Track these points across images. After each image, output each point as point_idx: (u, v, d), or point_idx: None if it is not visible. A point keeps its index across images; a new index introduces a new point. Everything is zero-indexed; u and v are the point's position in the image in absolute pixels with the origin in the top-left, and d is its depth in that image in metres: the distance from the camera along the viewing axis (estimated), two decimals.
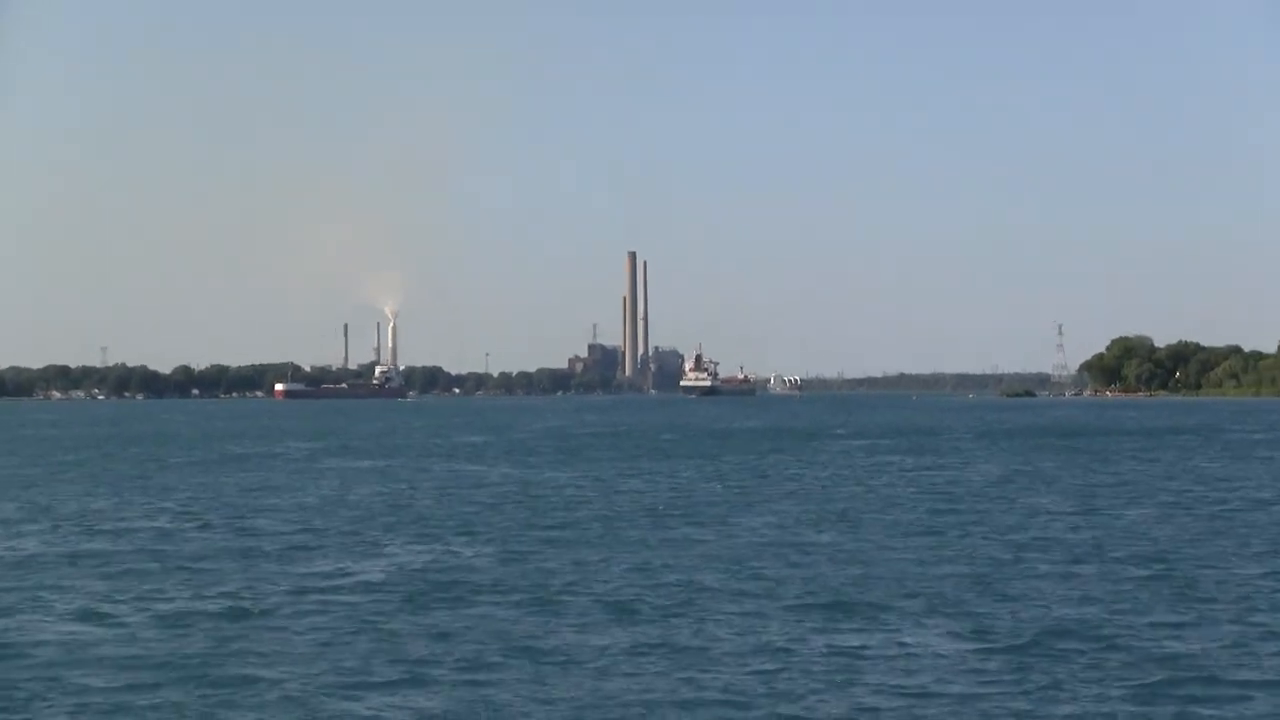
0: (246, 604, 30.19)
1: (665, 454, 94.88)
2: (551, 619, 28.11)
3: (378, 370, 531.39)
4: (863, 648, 24.89)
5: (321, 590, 32.17)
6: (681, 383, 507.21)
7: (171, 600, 30.94)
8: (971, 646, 24.91)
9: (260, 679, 22.67)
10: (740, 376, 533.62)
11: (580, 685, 22.20)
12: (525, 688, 22.06)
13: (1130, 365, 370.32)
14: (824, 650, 24.67)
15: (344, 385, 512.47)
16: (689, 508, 52.54)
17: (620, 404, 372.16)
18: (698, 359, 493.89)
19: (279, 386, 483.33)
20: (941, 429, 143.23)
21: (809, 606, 29.30)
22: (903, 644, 25.14)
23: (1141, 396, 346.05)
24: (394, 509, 53.06)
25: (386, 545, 41.08)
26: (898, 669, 23.18)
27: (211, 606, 29.94)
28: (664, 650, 24.76)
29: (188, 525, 47.42)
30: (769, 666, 23.42)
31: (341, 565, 36.56)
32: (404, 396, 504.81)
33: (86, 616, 28.85)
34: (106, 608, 29.84)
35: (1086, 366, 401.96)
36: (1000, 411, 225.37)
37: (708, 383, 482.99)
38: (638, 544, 40.74)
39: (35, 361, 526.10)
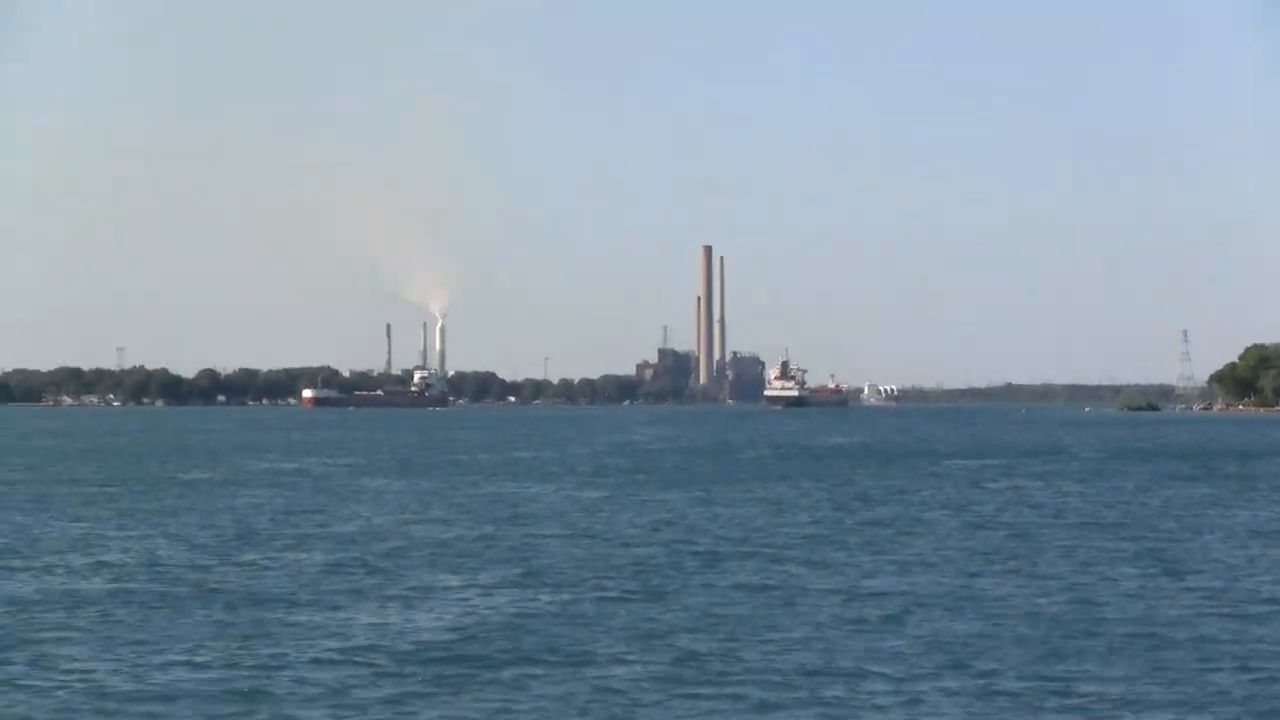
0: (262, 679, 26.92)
1: (769, 475, 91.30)
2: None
3: (417, 375, 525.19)
4: None
5: (347, 650, 28.88)
6: (765, 392, 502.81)
7: (168, 669, 27.71)
8: None
9: None
10: (831, 386, 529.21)
11: None
12: None
13: (1267, 377, 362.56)
14: None
15: (380, 392, 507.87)
16: (810, 546, 49.02)
17: (695, 416, 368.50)
18: (784, 366, 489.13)
19: (308, 393, 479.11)
20: (1061, 448, 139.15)
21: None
22: None
23: None
24: (439, 542, 49.77)
25: (433, 590, 37.74)
26: None
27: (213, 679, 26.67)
28: None
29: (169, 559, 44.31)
30: None
31: (363, 617, 33.25)
32: (446, 405, 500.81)
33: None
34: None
35: (1216, 378, 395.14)
36: (1127, 428, 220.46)
37: (795, 392, 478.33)
38: (748, 592, 37.23)
39: (44, 363, 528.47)
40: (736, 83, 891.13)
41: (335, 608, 34.52)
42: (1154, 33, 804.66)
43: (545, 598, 36.14)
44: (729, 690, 25.72)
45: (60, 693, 25.68)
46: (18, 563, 43.42)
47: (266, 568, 42.47)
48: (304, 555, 45.57)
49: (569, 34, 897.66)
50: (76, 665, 27.71)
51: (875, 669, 27.32)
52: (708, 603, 35.26)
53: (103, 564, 43.25)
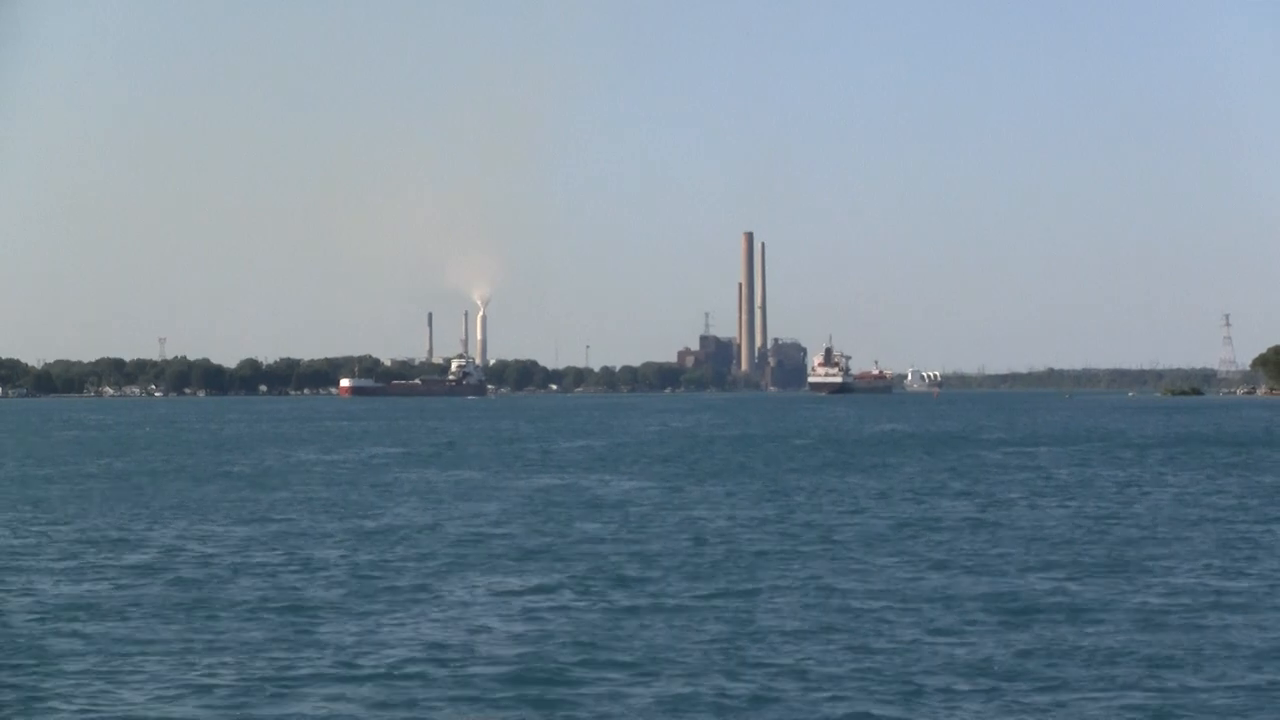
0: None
1: (826, 464, 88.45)
2: None
3: (454, 364, 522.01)
4: None
5: (393, 662, 26.26)
6: (809, 379, 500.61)
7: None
8: None
9: None
10: (875, 372, 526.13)
11: None
12: None
13: None
14: None
15: (417, 381, 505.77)
16: (896, 540, 46.24)
17: (738, 403, 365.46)
18: (828, 353, 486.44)
19: (344, 383, 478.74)
20: (1115, 433, 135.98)
21: None
22: None
23: None
24: (474, 539, 47.12)
25: (493, 592, 35.07)
26: None
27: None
28: None
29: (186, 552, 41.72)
30: None
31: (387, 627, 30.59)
32: (483, 393, 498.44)
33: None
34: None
35: (1261, 361, 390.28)
36: (1176, 413, 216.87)
37: (839, 379, 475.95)
38: (844, 597, 34.47)
39: (87, 355, 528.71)
40: (779, 70, 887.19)
41: (379, 612, 31.90)
42: (1200, 14, 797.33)
43: (617, 599, 33.45)
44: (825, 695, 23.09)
45: (69, 704, 23.19)
46: (33, 562, 40.98)
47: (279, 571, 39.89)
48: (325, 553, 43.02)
49: (614, 22, 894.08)
50: (91, 671, 25.21)
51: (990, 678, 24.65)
52: (799, 604, 32.56)
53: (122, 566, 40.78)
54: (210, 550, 43.86)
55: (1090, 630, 29.37)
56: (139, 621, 30.90)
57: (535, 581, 36.66)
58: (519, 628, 29.98)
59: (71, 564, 40.74)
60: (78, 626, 30.33)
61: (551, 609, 32.31)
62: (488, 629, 29.86)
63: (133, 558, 42.11)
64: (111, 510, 57.82)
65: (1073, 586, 35.44)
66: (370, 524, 51.83)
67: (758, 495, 64.25)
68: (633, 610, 31.98)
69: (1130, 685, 24.57)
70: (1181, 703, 23.41)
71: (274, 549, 44.10)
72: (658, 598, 33.76)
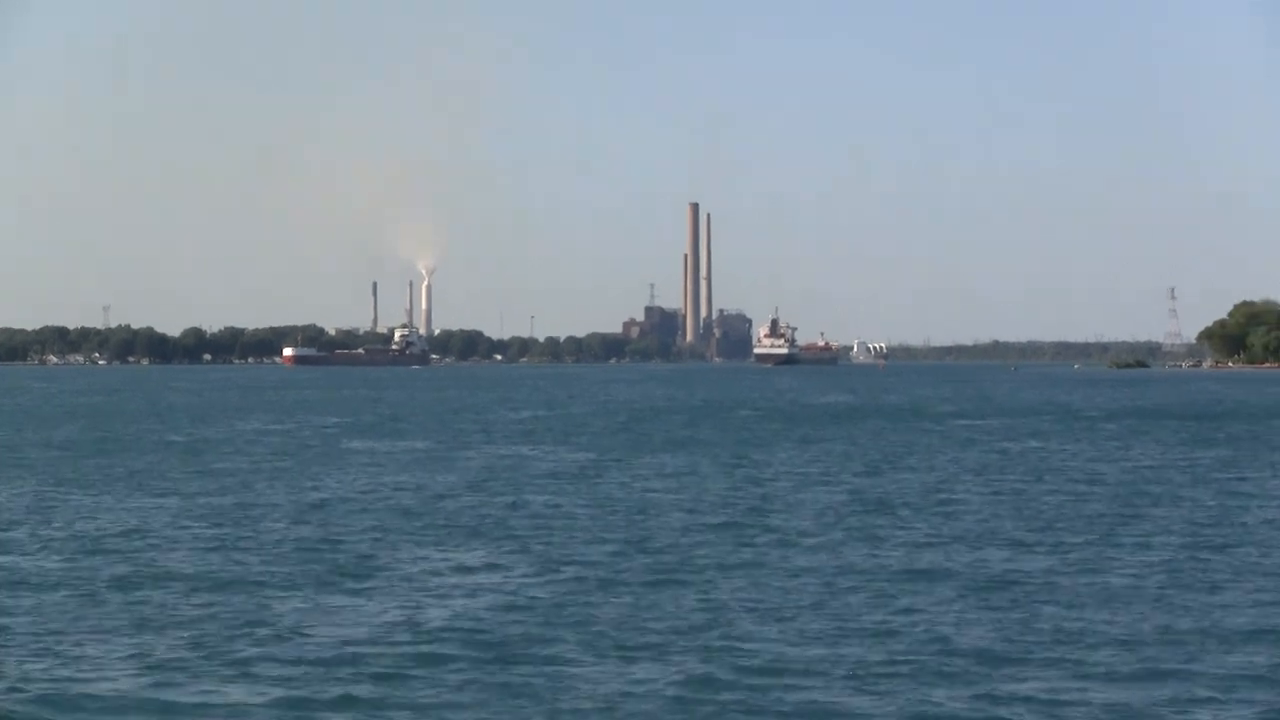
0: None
1: (777, 436, 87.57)
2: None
3: (397, 334, 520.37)
4: None
5: (343, 641, 25.16)
6: (755, 350, 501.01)
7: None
8: None
9: None
10: (821, 344, 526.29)
11: None
12: None
13: (1257, 334, 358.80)
14: None
15: (360, 351, 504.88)
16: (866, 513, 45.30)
17: (684, 374, 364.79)
18: (773, 324, 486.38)
19: (287, 352, 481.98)
20: (1070, 407, 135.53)
21: None
22: None
23: (1272, 369, 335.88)
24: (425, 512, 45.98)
25: (437, 570, 33.96)
26: None
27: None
28: None
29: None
30: None
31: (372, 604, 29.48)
32: (427, 363, 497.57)
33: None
34: None
35: (1206, 335, 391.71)
36: (1123, 387, 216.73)
37: (785, 350, 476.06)
38: (786, 573, 33.48)
39: (30, 323, 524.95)
40: (722, 40, 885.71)
41: (328, 590, 30.79)
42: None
43: (565, 577, 32.39)
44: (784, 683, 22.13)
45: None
46: None
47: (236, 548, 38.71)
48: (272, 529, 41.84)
49: None
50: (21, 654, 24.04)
51: (960, 657, 23.73)
52: (750, 583, 31.56)
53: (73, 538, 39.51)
54: (147, 524, 42.62)
55: (1078, 611, 28.52)
56: (74, 598, 29.72)
57: (483, 557, 35.61)
58: (465, 603, 28.93)
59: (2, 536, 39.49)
60: (7, 602, 29.13)
61: (500, 586, 31.26)
62: (435, 606, 28.80)
63: (67, 531, 40.85)
64: (50, 481, 56.47)
65: (1054, 564, 34.60)
66: (312, 496, 50.67)
67: (711, 468, 63.29)
68: (583, 588, 30.97)
69: (1108, 668, 23.70)
70: (1160, 687, 22.55)
71: (213, 523, 42.92)
72: (612, 575, 32.75)
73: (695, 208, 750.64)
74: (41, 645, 25.28)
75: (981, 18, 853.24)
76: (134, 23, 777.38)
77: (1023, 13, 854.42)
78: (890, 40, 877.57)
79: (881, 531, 40.52)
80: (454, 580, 32.13)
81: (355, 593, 30.45)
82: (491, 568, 33.87)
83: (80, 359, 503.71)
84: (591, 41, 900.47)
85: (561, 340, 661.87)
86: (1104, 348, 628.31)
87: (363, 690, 22.34)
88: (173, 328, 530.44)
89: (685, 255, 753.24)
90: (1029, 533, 40.46)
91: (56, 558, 35.45)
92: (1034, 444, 79.65)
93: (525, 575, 32.67)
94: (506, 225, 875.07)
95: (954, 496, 50.62)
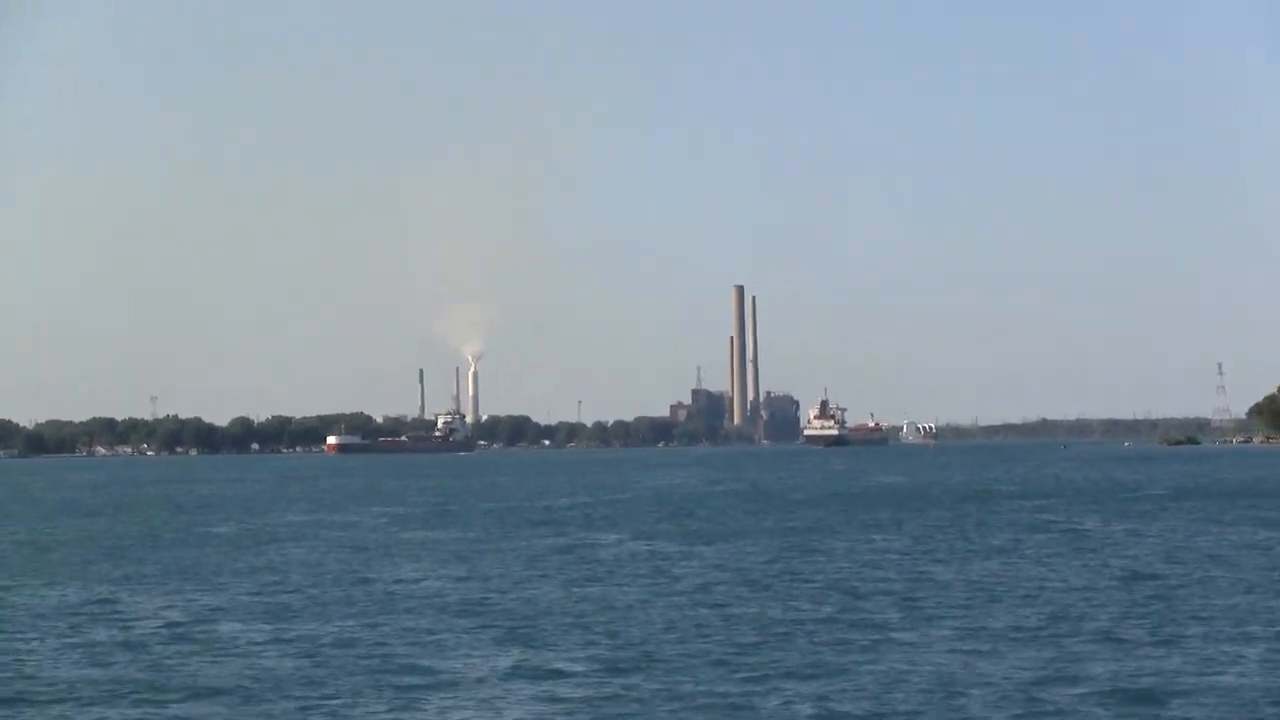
0: None
1: (835, 521, 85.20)
2: None
3: (440, 420, 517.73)
4: None
5: None
6: (805, 431, 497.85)
7: None
8: None
9: None
10: (871, 424, 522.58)
11: None
12: None
13: None
14: None
15: (404, 438, 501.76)
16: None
17: (733, 457, 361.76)
18: (823, 405, 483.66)
19: (331, 440, 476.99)
20: (1128, 485, 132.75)
21: None
22: None
23: None
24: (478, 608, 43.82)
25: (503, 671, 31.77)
26: None
27: None
28: None
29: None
30: None
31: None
32: (472, 449, 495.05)
33: None
34: None
35: (1256, 410, 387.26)
36: (1179, 463, 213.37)
37: (835, 431, 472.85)
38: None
39: (78, 414, 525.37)
40: (765, 123, 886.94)
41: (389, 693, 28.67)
42: (1190, 55, 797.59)
43: (639, 677, 30.21)
44: None
45: None
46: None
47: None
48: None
49: (599, 73, 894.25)
50: None
51: None
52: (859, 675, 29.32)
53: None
54: (189, 621, 40.57)
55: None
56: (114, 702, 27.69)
57: (549, 658, 33.44)
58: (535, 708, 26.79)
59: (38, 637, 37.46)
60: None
61: (562, 685, 29.08)
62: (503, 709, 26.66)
63: (109, 631, 38.81)
64: (91, 576, 54.48)
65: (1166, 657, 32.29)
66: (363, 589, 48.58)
67: (775, 555, 60.99)
68: (648, 689, 28.77)
69: None
70: None
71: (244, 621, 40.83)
72: (675, 676, 30.55)
73: (740, 290, 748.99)
74: None
75: (1039, 97, 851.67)
76: (180, 120, 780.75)
77: (1082, 93, 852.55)
78: (930, 114, 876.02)
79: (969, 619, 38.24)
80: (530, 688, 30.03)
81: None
82: (559, 673, 31.73)
83: (129, 450, 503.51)
84: (637, 128, 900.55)
85: (609, 425, 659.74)
86: (1152, 424, 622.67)
87: None
88: (221, 417, 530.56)
89: (731, 338, 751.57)
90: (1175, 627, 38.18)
91: (95, 653, 33.41)
92: (1105, 523, 77.20)
93: (579, 675, 30.50)
94: (553, 312, 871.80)
95: (1034, 583, 48.27)
